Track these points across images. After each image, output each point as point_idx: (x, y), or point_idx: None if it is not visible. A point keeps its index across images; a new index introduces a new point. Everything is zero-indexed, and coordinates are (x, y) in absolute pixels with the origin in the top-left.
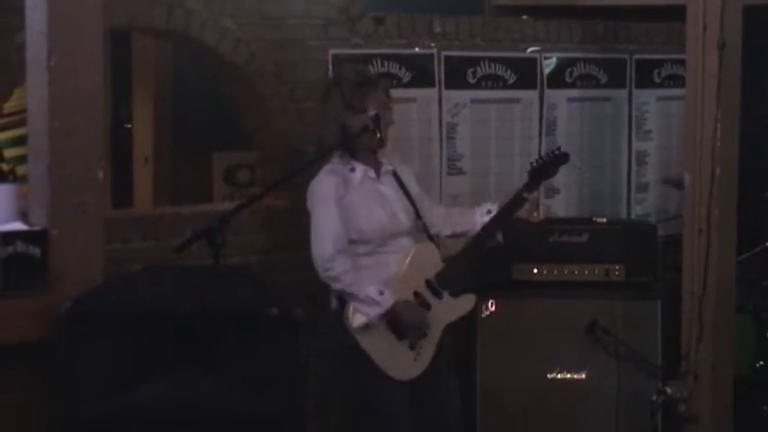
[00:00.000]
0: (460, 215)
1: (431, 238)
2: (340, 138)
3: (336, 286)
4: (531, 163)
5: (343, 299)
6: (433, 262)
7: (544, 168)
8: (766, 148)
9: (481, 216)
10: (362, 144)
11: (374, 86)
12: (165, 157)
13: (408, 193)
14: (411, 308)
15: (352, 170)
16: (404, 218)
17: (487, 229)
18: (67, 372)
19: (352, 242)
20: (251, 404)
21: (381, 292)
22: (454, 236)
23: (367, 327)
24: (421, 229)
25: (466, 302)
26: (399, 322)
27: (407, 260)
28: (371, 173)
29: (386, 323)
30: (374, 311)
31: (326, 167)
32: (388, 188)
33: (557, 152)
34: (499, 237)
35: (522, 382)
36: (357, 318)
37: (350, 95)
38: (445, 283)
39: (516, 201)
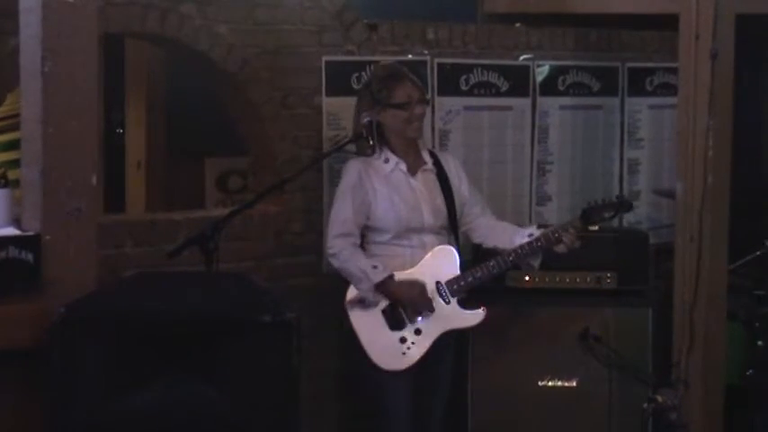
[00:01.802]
0: (504, 231)
1: (457, 242)
2: (369, 133)
3: (335, 263)
4: (589, 202)
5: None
6: (449, 267)
7: (600, 210)
8: (759, 156)
9: (522, 238)
10: (358, 149)
11: (402, 80)
12: (158, 162)
13: (448, 194)
14: (408, 283)
15: (386, 161)
16: (429, 215)
17: (519, 254)
18: (61, 377)
19: (370, 229)
20: (245, 409)
21: (375, 267)
22: (495, 250)
23: (361, 306)
24: (451, 232)
25: (472, 317)
26: (398, 298)
27: (422, 258)
28: (403, 166)
29: (381, 310)
30: (366, 285)
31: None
32: (421, 184)
33: (619, 198)
34: (536, 263)
35: (513, 388)
36: (350, 291)
37: (378, 91)
38: (457, 291)
39: (559, 235)
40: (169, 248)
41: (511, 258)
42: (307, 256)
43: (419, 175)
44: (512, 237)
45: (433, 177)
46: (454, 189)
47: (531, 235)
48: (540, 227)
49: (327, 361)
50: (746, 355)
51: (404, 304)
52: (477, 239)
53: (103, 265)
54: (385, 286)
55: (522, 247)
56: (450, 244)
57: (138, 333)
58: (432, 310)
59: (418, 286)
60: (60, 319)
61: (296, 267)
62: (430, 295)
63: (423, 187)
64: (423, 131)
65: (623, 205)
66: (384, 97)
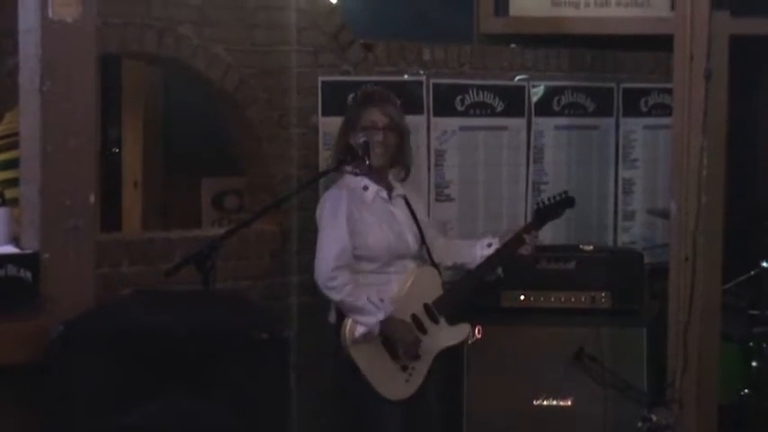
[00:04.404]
0: (462, 247)
1: (434, 264)
2: (344, 156)
3: (336, 297)
4: (538, 203)
5: (342, 313)
6: (433, 287)
7: (551, 209)
8: (753, 176)
9: (482, 249)
10: (353, 168)
11: (370, 105)
12: (155, 181)
13: (416, 219)
14: (405, 326)
15: (365, 188)
16: (411, 240)
17: (488, 262)
18: (59, 395)
19: (358, 258)
20: (241, 426)
21: (381, 300)
22: (455, 267)
23: (364, 340)
24: (425, 256)
25: (460, 331)
26: (392, 338)
27: (409, 282)
28: (384, 193)
29: (381, 341)
30: (373, 319)
31: (339, 182)
32: (398, 210)
33: (564, 195)
34: (500, 271)
35: (508, 408)
36: (357, 329)
37: (351, 114)
38: (443, 309)
39: (519, 239)
40: (165, 267)
41: (485, 269)
42: (303, 275)
43: (394, 200)
44: (471, 250)
45: (403, 203)
46: (417, 213)
47: (490, 244)
48: (494, 236)
49: (322, 380)
50: (741, 375)
51: (397, 345)
52: (435, 259)
53: (100, 283)
54: (387, 323)
55: (491, 258)
56: (426, 264)
57: (136, 351)
58: (417, 357)
59: (412, 333)
60: (59, 337)
61: (292, 286)
62: (420, 318)
63: (400, 212)
64: (385, 159)
65: (568, 201)
66: (353, 120)
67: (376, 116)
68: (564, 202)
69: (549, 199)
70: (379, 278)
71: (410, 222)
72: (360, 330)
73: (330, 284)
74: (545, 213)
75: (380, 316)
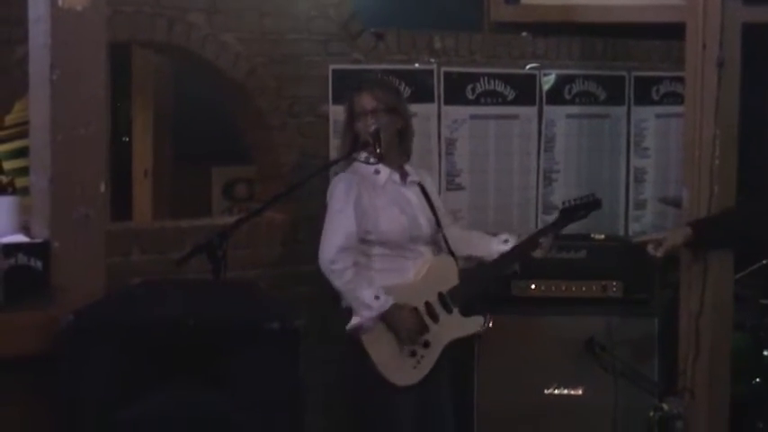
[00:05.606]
0: (478, 239)
1: (451, 252)
2: (351, 146)
3: (336, 282)
4: (564, 203)
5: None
6: (449, 276)
7: (576, 210)
8: (765, 165)
9: (498, 245)
10: (366, 156)
11: (359, 91)
12: (165, 170)
13: (432, 204)
14: (407, 313)
15: (377, 172)
16: (425, 224)
17: (505, 258)
18: (69, 384)
19: (370, 243)
20: (252, 417)
21: (377, 297)
22: (468, 258)
23: (358, 330)
24: (441, 242)
25: (473, 323)
26: (394, 326)
27: (425, 269)
28: (396, 177)
29: (388, 326)
30: (367, 314)
31: (351, 167)
32: (412, 194)
33: (591, 197)
34: (516, 267)
35: (519, 397)
36: (352, 319)
37: (347, 104)
38: (457, 299)
39: (537, 239)
40: (175, 256)
41: (504, 263)
42: (313, 264)
43: (408, 185)
44: (488, 244)
45: (418, 189)
46: (433, 199)
47: (506, 241)
48: (511, 234)
49: (330, 371)
50: (753, 365)
51: (399, 331)
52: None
53: (110, 272)
54: (388, 311)
55: (513, 250)
56: (443, 253)
57: (147, 341)
58: (426, 345)
59: (414, 319)
60: (69, 327)
61: (302, 275)
62: (434, 306)
63: (414, 197)
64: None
65: (594, 204)
66: (349, 109)
67: (365, 101)
68: (590, 204)
69: (574, 200)
70: (393, 262)
71: (424, 207)
72: (353, 322)
73: (332, 267)
74: (570, 214)
75: (373, 314)
